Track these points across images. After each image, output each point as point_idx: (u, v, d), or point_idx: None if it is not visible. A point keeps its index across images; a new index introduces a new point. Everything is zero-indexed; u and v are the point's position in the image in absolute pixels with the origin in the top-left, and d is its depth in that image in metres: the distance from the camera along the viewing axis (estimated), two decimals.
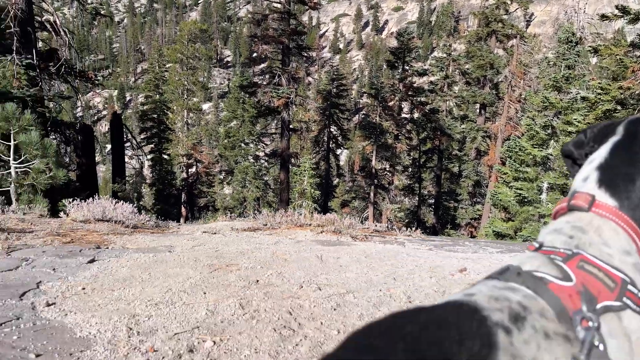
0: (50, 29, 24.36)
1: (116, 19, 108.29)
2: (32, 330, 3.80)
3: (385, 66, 46.57)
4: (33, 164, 11.46)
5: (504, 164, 25.60)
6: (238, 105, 37.55)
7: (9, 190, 11.56)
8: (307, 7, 31.11)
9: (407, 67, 33.85)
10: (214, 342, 3.64)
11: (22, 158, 11.60)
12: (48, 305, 4.42)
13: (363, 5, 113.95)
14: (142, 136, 38.82)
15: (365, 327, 1.17)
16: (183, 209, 39.46)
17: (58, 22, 23.29)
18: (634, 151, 1.49)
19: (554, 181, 20.49)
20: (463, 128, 35.04)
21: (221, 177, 42.93)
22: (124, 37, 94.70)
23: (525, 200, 21.04)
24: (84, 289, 4.95)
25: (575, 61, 21.54)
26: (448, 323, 1.10)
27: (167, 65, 40.41)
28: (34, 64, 21.59)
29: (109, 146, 44.87)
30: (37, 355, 3.35)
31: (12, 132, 11.52)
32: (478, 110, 35.15)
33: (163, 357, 3.40)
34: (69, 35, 22.54)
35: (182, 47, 34.27)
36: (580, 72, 22.18)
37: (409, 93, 33.72)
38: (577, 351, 1.15)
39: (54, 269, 5.64)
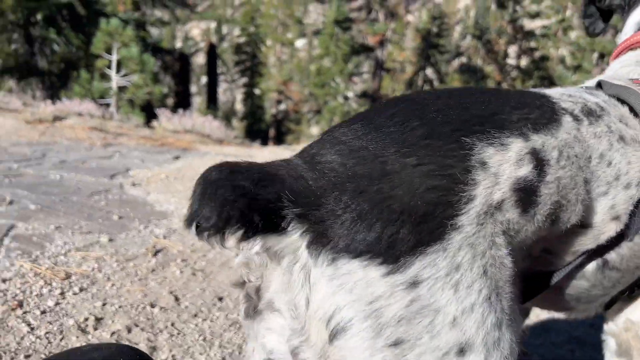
0: None
1: None
2: (118, 201, 4.05)
3: (493, 6, 43.68)
4: (132, 78, 12.09)
5: None
6: (331, 41, 37.02)
7: (110, 102, 12.33)
8: None
9: (519, 8, 31.44)
10: None
11: (123, 72, 12.29)
12: (134, 185, 4.68)
13: None
14: (235, 69, 39.66)
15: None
16: (271, 144, 40.41)
17: None
18: None
19: None
20: (575, 79, 32.13)
21: (309, 116, 43.21)
22: None
23: None
24: (167, 177, 5.19)
25: None
26: (507, 95, 0.99)
27: None
28: None
29: (204, 79, 46.42)
30: (120, 217, 3.57)
31: (114, 46, 12.20)
32: (595, 61, 32.08)
33: None
34: None
35: None
36: None
37: (518, 36, 31.49)
38: None
39: (142, 161, 5.97)
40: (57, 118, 8.14)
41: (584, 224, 0.97)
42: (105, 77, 12.60)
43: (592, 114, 1.01)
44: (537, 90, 1.09)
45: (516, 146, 0.82)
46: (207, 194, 0.72)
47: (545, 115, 0.92)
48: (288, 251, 0.75)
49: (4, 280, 2.35)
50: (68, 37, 16.02)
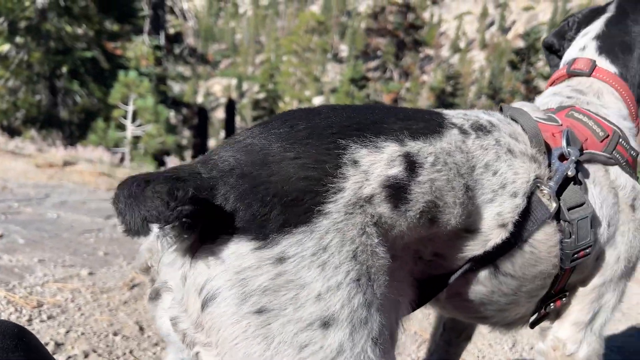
0: (179, 15, 26.27)
1: (240, 10, 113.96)
2: (107, 239, 4.12)
3: (507, 67, 44.54)
4: (147, 128, 12.46)
5: None
6: (347, 99, 37.85)
7: (124, 151, 12.67)
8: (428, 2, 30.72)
9: (531, 69, 32.10)
10: None
11: (138, 122, 12.70)
12: None
13: (490, 3, 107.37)
14: (253, 124, 40.59)
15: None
16: None
17: (185, 8, 25.05)
18: (627, 23, 1.60)
19: None
20: None
21: None
22: (246, 29, 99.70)
23: None
24: None
25: None
26: (401, 109, 1.08)
27: (283, 58, 41.77)
28: (161, 46, 23.42)
29: (222, 133, 47.44)
30: (105, 254, 3.64)
31: (131, 97, 12.67)
32: None
33: None
34: (194, 19, 24.24)
35: (298, 38, 35.27)
36: None
37: (531, 97, 31.95)
38: (543, 172, 1.13)
39: None
40: (67, 163, 8.38)
41: (469, 229, 1.02)
42: (121, 126, 13.00)
43: (481, 129, 1.09)
44: (437, 109, 1.17)
45: (390, 149, 0.90)
46: (130, 203, 0.74)
47: (429, 127, 1.00)
48: (184, 235, 0.79)
49: None
50: (90, 89, 16.67)
